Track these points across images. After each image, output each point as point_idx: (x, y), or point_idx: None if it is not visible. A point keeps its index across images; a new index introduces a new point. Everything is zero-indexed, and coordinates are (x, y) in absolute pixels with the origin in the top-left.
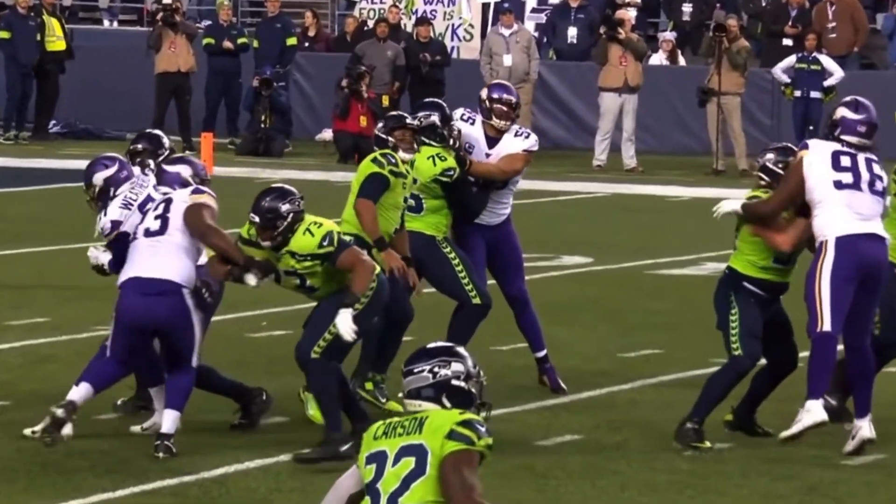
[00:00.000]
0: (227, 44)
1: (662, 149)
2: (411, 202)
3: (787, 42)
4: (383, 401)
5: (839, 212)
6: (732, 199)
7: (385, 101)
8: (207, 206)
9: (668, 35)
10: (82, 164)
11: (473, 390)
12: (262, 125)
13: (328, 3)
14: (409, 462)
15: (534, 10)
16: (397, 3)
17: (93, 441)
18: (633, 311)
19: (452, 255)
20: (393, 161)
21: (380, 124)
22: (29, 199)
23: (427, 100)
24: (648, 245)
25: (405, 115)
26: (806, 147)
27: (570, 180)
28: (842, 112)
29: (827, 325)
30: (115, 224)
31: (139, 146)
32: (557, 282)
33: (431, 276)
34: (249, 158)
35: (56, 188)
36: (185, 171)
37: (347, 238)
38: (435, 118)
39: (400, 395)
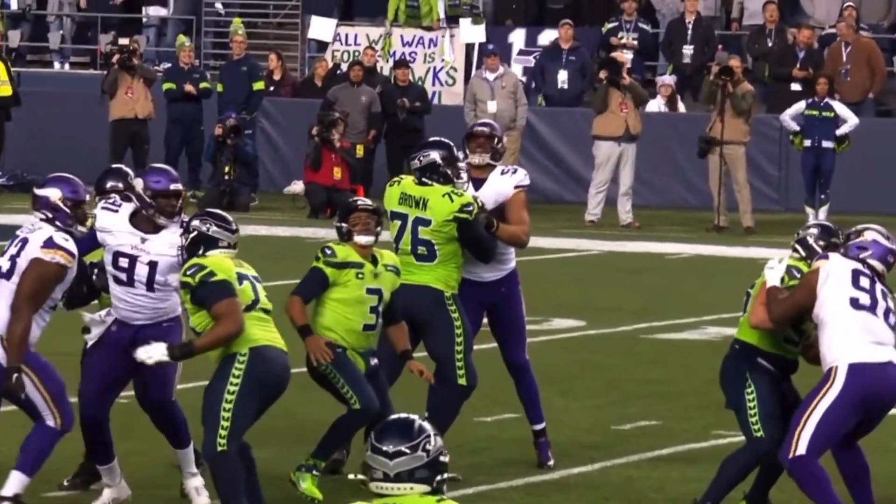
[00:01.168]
0: (189, 87)
1: (660, 203)
2: (423, 250)
3: (795, 87)
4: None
5: (853, 334)
6: (777, 277)
7: (360, 150)
8: (48, 269)
9: (668, 79)
10: (29, 219)
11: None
12: (226, 177)
13: (297, 45)
14: None
15: (521, 53)
16: (373, 45)
17: None
18: (629, 379)
19: (458, 322)
20: (329, 253)
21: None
22: None
23: (432, 139)
24: (645, 307)
25: (357, 198)
26: (826, 258)
27: (560, 237)
28: (874, 236)
29: (801, 450)
30: None
31: (109, 184)
32: (548, 347)
33: (428, 338)
34: None
35: None
36: (54, 194)
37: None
38: (435, 156)
39: (362, 477)
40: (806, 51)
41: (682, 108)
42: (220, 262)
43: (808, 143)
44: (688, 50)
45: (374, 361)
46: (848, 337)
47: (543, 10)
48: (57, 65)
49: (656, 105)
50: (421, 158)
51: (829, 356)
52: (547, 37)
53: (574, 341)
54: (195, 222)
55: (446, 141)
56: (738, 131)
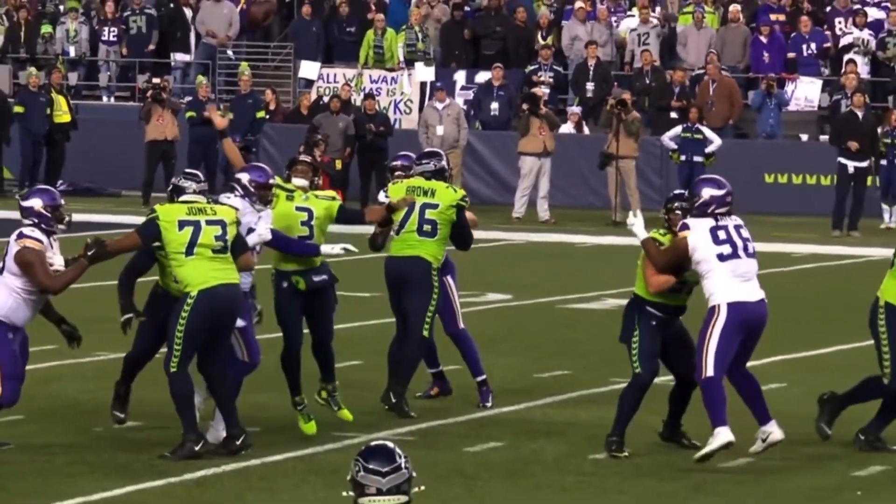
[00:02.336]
0: (207, 114)
1: (571, 204)
2: (428, 227)
3: (673, 115)
4: (335, 408)
5: (726, 279)
6: (641, 226)
7: (338, 164)
8: (31, 252)
9: (575, 109)
10: (85, 217)
11: None
12: None
13: (290, 82)
14: None
15: (463, 88)
16: (349, 82)
17: (91, 449)
18: (546, 339)
19: (436, 289)
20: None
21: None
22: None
23: (429, 149)
24: (559, 284)
25: (301, 154)
26: (687, 227)
27: (493, 230)
28: (709, 192)
29: (710, 372)
30: None
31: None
32: (483, 315)
33: (410, 297)
34: None
35: (62, 237)
36: (37, 204)
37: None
38: (444, 164)
39: (352, 493)
40: (680, 87)
41: (586, 131)
42: (169, 210)
43: (683, 158)
44: (590, 86)
45: (319, 278)
46: (723, 282)
47: (479, 55)
48: (105, 98)
49: (567, 128)
50: (435, 164)
51: (713, 298)
52: (482, 76)
53: (503, 311)
54: (173, 179)
55: (441, 153)
56: (630, 149)
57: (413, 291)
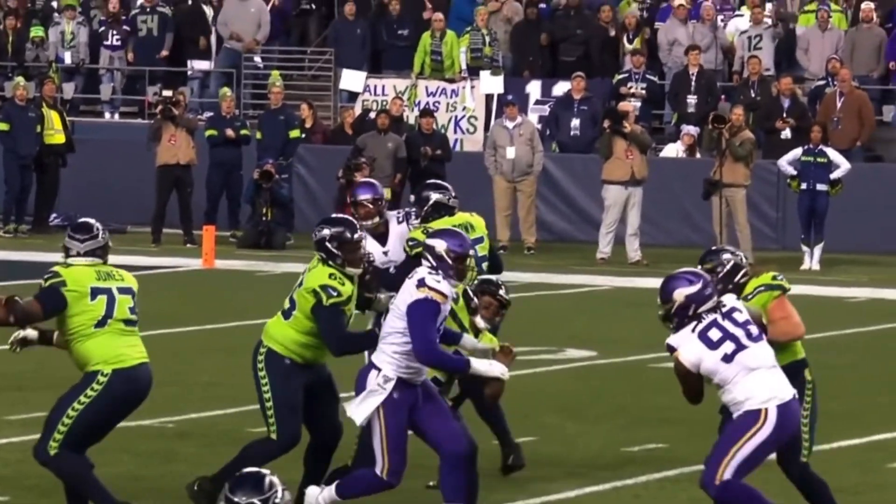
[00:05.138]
0: (230, 132)
1: (667, 241)
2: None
3: (785, 134)
4: None
5: (750, 378)
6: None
7: (388, 193)
8: None
9: (692, 129)
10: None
11: None
12: (263, 218)
13: (330, 95)
14: None
15: (537, 102)
16: (400, 95)
17: None
18: (638, 405)
19: None
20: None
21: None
22: (28, 294)
23: (435, 181)
24: (653, 339)
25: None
26: (674, 349)
27: (573, 273)
28: (681, 293)
29: (728, 475)
30: None
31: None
32: (562, 375)
33: None
34: (250, 251)
35: None
36: None
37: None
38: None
39: None
40: (791, 100)
41: (698, 155)
42: (77, 276)
43: (803, 186)
44: (692, 100)
45: None
46: (751, 383)
47: (557, 63)
48: (108, 115)
49: (674, 150)
50: (451, 199)
51: (753, 400)
52: (560, 88)
53: (586, 370)
54: (68, 231)
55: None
56: (739, 175)
57: None
